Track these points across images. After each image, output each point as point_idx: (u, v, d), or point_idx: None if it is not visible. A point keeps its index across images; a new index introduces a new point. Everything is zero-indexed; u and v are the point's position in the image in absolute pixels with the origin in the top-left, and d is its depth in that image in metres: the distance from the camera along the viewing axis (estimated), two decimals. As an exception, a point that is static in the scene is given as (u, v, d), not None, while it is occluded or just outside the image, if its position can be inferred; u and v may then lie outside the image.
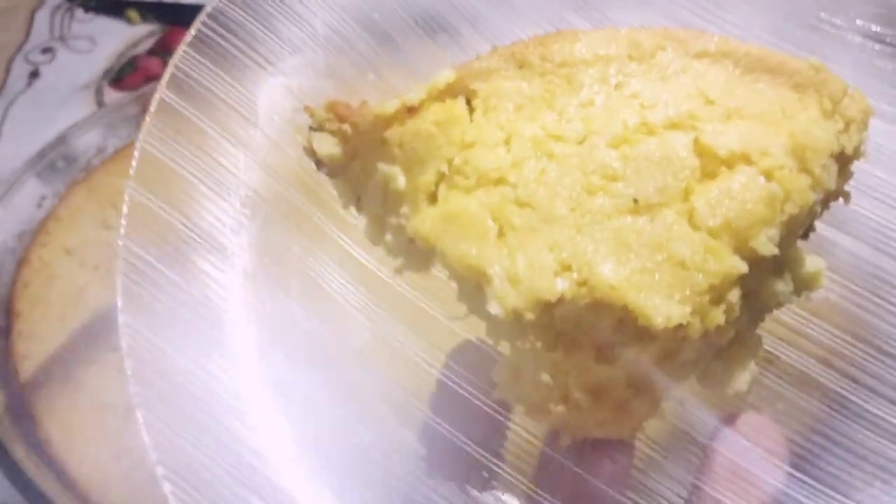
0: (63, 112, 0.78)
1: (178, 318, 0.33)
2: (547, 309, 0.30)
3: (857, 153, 0.34)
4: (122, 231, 0.34)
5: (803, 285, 0.34)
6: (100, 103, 0.80)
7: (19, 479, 0.51)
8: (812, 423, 0.35)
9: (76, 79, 0.82)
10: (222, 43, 0.39)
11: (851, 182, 0.36)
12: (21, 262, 0.63)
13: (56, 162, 0.66)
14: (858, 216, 0.38)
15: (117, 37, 0.85)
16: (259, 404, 0.33)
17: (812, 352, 0.36)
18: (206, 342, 0.33)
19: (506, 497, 0.34)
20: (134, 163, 0.35)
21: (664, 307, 0.29)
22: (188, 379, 0.32)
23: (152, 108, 0.36)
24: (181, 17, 0.86)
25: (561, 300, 0.30)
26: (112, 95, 0.80)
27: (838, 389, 0.35)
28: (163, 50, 0.85)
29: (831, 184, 0.33)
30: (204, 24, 0.39)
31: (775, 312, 0.36)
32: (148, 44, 0.85)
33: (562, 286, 0.30)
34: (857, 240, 0.37)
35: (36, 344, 0.59)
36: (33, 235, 0.65)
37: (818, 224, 0.36)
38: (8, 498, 0.56)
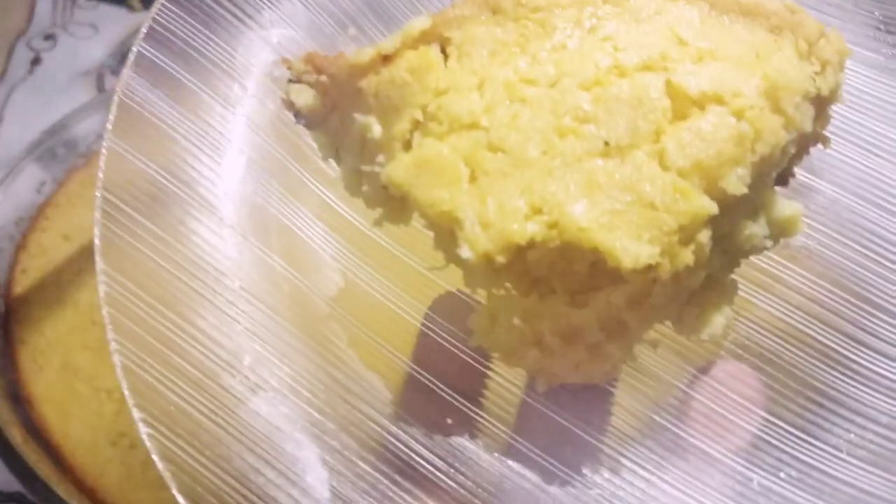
0: (64, 98, 0.78)
1: (158, 267, 0.34)
2: (519, 252, 0.31)
3: (833, 95, 0.34)
4: (100, 183, 0.34)
5: (780, 230, 0.34)
6: (101, 90, 0.80)
7: (16, 463, 0.51)
8: (788, 369, 0.35)
9: (78, 65, 0.82)
10: (199, -3, 0.39)
11: (831, 128, 0.36)
12: (19, 247, 0.64)
13: (56, 148, 0.67)
14: (839, 163, 0.37)
15: (119, 24, 0.85)
16: (240, 353, 0.33)
17: (789, 298, 0.36)
18: (185, 291, 0.34)
19: (484, 443, 0.34)
20: (111, 115, 0.35)
21: (633, 248, 0.29)
22: (166, 326, 0.32)
23: (130, 60, 0.37)
24: None
25: (532, 243, 0.30)
26: (113, 82, 0.80)
27: (815, 336, 0.35)
28: None
29: (806, 125, 0.32)
30: (182, -23, 0.39)
31: (752, 259, 0.36)
32: None
33: (532, 229, 0.30)
34: (837, 187, 0.37)
35: (33, 329, 0.60)
36: (32, 221, 0.65)
37: (798, 171, 0.36)
38: (5, 482, 0.57)
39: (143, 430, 0.30)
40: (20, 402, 0.57)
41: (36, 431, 0.55)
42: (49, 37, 0.84)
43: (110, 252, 0.33)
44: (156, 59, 0.37)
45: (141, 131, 0.36)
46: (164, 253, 0.34)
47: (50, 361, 0.59)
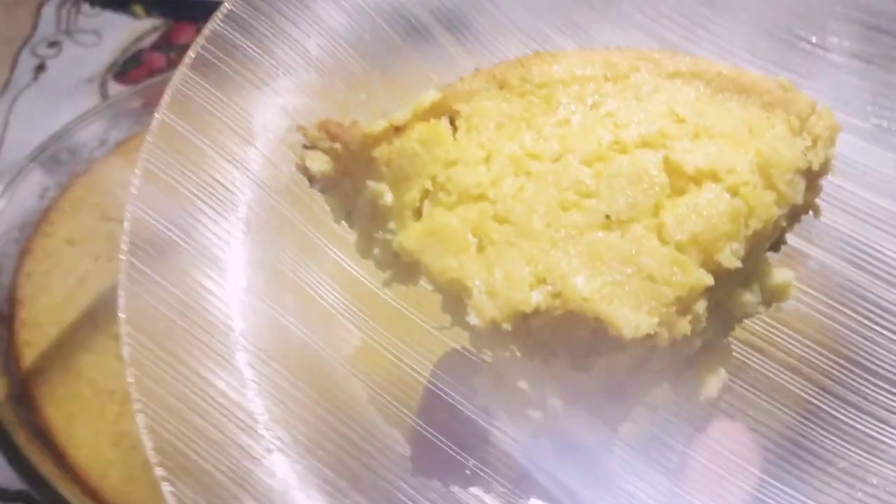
0: (68, 105, 0.79)
1: (178, 328, 0.35)
2: (523, 320, 0.32)
3: (824, 169, 0.36)
4: (125, 247, 0.36)
5: (772, 297, 0.36)
6: (104, 96, 0.81)
7: (21, 463, 0.52)
8: (782, 429, 0.36)
9: (81, 72, 0.83)
10: (219, 65, 0.40)
11: (823, 196, 0.37)
12: (24, 252, 0.65)
13: (59, 154, 0.68)
14: (830, 229, 0.39)
15: (122, 31, 0.87)
16: (256, 412, 0.35)
17: (782, 360, 0.37)
18: (204, 352, 0.35)
19: (488, 498, 0.35)
20: (135, 181, 0.37)
21: (633, 318, 0.31)
22: (187, 387, 0.34)
23: (153, 128, 0.38)
24: (186, 12, 0.87)
25: (536, 311, 0.32)
26: (116, 89, 0.82)
27: (807, 397, 0.36)
28: (167, 44, 0.86)
29: (798, 199, 0.34)
30: (203, 47, 0.41)
31: (746, 322, 0.38)
32: (152, 38, 0.87)
33: (537, 298, 0.32)
34: (828, 252, 0.39)
35: (38, 332, 0.61)
36: (36, 226, 0.66)
37: (790, 237, 0.38)
38: (11, 481, 0.57)
39: (166, 489, 0.31)
40: (24, 403, 0.58)
41: (40, 432, 0.56)
42: (53, 44, 0.86)
43: (133, 313, 0.35)
44: (177, 126, 0.39)
45: (162, 195, 0.37)
46: (182, 314, 0.35)
47: (54, 364, 0.60)
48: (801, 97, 0.36)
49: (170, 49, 0.86)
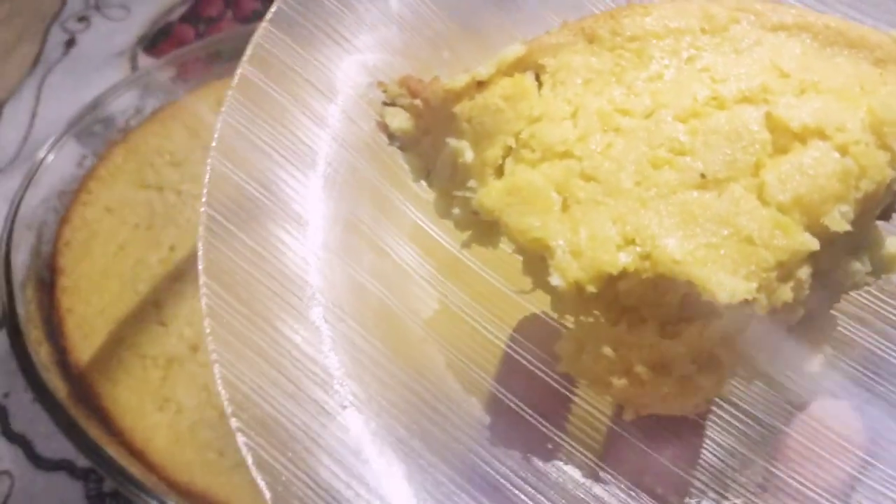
0: (99, 79, 0.79)
1: (256, 282, 0.35)
2: (609, 282, 0.31)
3: (942, 130, 0.33)
4: (204, 199, 0.35)
5: (882, 267, 0.33)
6: (134, 69, 0.82)
7: (69, 427, 0.53)
8: (889, 409, 0.34)
9: (111, 46, 0.84)
10: (300, 19, 0.40)
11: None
12: (63, 220, 0.66)
13: (93, 126, 0.68)
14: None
15: (151, 4, 0.87)
16: (331, 368, 0.34)
17: (891, 336, 0.34)
18: (281, 306, 0.35)
19: (569, 469, 0.34)
20: (216, 134, 0.37)
21: (729, 282, 0.29)
22: (263, 340, 0.34)
23: (234, 82, 0.38)
24: None
25: (624, 273, 0.30)
26: (146, 62, 0.82)
27: (916, 375, 0.34)
28: (195, 17, 0.86)
29: (913, 161, 0.32)
30: (284, 1, 0.40)
31: (852, 294, 0.35)
32: (181, 11, 0.87)
33: (624, 259, 0.30)
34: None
35: (79, 299, 0.62)
36: (74, 195, 0.67)
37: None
38: (54, 450, 0.60)
39: (240, 439, 0.31)
40: (68, 368, 0.59)
41: (84, 397, 0.57)
42: (83, 18, 0.86)
43: (211, 265, 0.34)
44: (257, 81, 0.38)
45: (241, 149, 0.37)
46: (260, 267, 0.35)
47: (96, 330, 0.61)
48: (919, 52, 0.33)
49: (198, 21, 0.86)
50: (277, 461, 0.31)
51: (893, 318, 0.35)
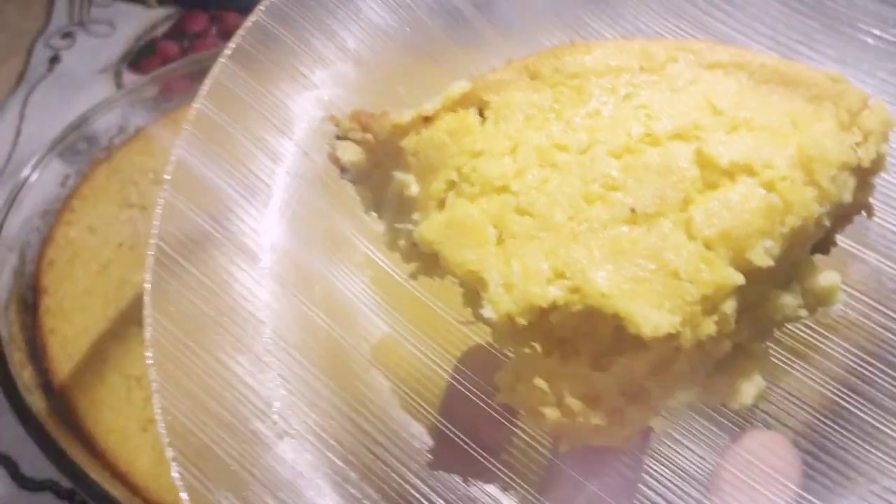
0: (83, 96, 0.79)
1: (202, 314, 0.36)
2: (541, 315, 0.31)
3: (876, 166, 0.33)
4: (155, 231, 0.36)
5: (817, 301, 0.33)
6: (119, 86, 0.82)
7: (51, 449, 0.53)
8: (824, 443, 0.34)
9: (96, 63, 0.84)
10: (258, 55, 0.41)
11: (878, 196, 0.35)
12: (46, 240, 0.66)
13: (77, 144, 0.68)
14: (885, 231, 0.36)
15: (135, 21, 0.87)
16: (271, 398, 0.35)
17: (827, 369, 0.35)
18: (225, 338, 0.35)
19: (507, 500, 0.34)
20: (170, 167, 0.37)
21: (654, 316, 0.29)
22: (206, 372, 0.34)
23: (190, 116, 0.39)
24: (198, 1, 0.88)
25: (554, 306, 0.31)
26: (131, 78, 0.82)
27: (854, 409, 0.34)
28: (180, 33, 0.86)
29: (844, 197, 0.32)
30: (243, 38, 0.41)
31: (789, 327, 0.36)
32: (165, 27, 0.87)
33: (554, 292, 0.31)
34: (882, 256, 0.36)
35: (62, 319, 0.62)
36: (58, 214, 0.67)
37: (841, 239, 0.36)
38: (38, 470, 0.59)
39: (175, 469, 0.31)
40: (51, 390, 0.58)
41: (67, 418, 0.57)
42: (67, 35, 0.86)
43: (158, 296, 0.35)
44: (213, 115, 0.39)
45: (195, 183, 0.38)
46: (207, 300, 0.36)
47: (79, 350, 0.60)
48: (853, 90, 0.34)
49: (183, 37, 0.86)
50: (211, 491, 0.31)
51: (829, 351, 0.35)
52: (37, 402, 0.56)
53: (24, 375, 0.57)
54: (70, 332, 0.62)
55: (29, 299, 0.63)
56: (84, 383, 0.59)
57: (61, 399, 0.58)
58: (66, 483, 0.60)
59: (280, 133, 0.40)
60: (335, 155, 0.37)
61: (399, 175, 0.36)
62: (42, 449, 0.53)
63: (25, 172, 0.66)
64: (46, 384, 0.59)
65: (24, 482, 0.61)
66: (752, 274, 0.30)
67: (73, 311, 0.63)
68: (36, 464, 0.61)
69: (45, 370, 0.60)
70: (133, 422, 0.57)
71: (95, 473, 0.52)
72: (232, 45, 0.41)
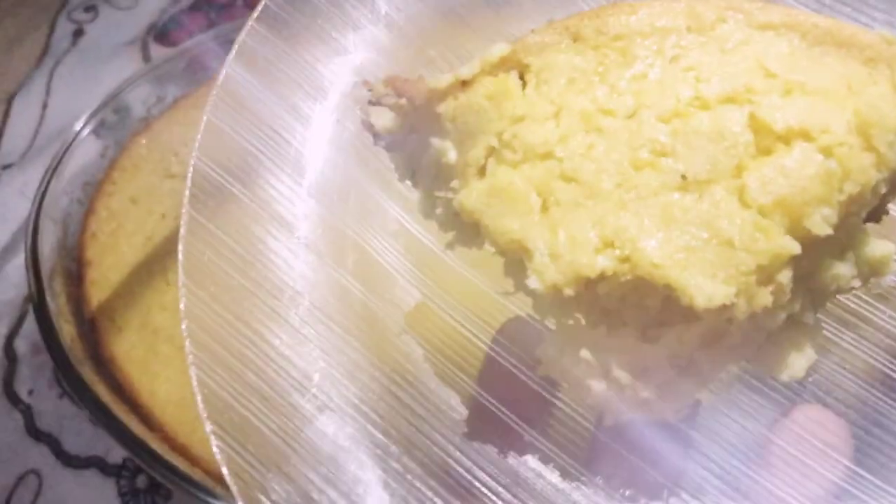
0: (109, 69, 0.78)
1: (236, 282, 0.35)
2: (588, 285, 0.30)
3: (933, 131, 0.32)
4: (186, 200, 0.35)
5: (869, 270, 0.32)
6: (146, 59, 0.80)
7: (108, 422, 0.52)
8: (875, 416, 0.33)
9: (120, 36, 0.83)
10: (288, 18, 0.40)
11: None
12: (88, 212, 0.65)
13: (107, 117, 0.67)
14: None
15: None
16: (309, 371, 0.34)
17: (878, 341, 0.34)
18: (261, 308, 0.35)
19: (547, 473, 0.34)
20: (199, 135, 0.37)
21: (707, 287, 0.28)
22: (241, 342, 0.33)
23: (219, 80, 0.38)
24: None
25: (602, 277, 0.30)
26: (158, 51, 0.81)
27: (903, 380, 0.33)
28: (207, 4, 0.84)
29: (901, 163, 0.31)
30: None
31: (840, 298, 0.35)
32: None
33: (603, 262, 0.30)
34: (935, 225, 0.35)
35: (109, 291, 0.61)
36: (99, 185, 0.66)
37: (893, 207, 0.34)
38: (84, 447, 0.58)
39: (214, 443, 0.30)
40: (103, 363, 0.57)
41: (122, 391, 0.56)
42: (90, 8, 0.85)
43: (192, 266, 0.34)
44: (241, 80, 0.38)
45: (226, 150, 0.37)
46: (242, 270, 0.35)
47: (129, 322, 0.59)
48: (910, 51, 0.32)
49: (210, 8, 0.85)
50: (251, 465, 0.30)
51: (881, 322, 0.34)
52: (89, 374, 0.54)
53: (76, 349, 0.56)
54: (118, 304, 0.61)
55: (74, 272, 0.62)
56: (136, 356, 0.57)
57: (113, 371, 0.57)
58: (111, 459, 0.59)
59: (312, 98, 0.39)
60: (369, 121, 0.36)
61: (436, 141, 0.35)
62: (99, 423, 0.51)
63: (63, 144, 0.65)
64: (97, 357, 0.58)
65: (69, 460, 0.60)
66: (809, 243, 0.29)
67: (119, 283, 0.61)
68: (80, 440, 0.60)
69: (95, 342, 0.59)
70: (189, 392, 0.54)
71: (155, 445, 0.51)
72: (260, 6, 0.40)
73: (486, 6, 0.42)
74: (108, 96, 0.67)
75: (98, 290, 0.61)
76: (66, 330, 0.57)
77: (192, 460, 0.53)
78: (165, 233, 0.64)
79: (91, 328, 0.59)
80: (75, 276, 0.62)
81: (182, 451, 0.53)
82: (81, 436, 0.58)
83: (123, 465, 0.59)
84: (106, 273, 0.62)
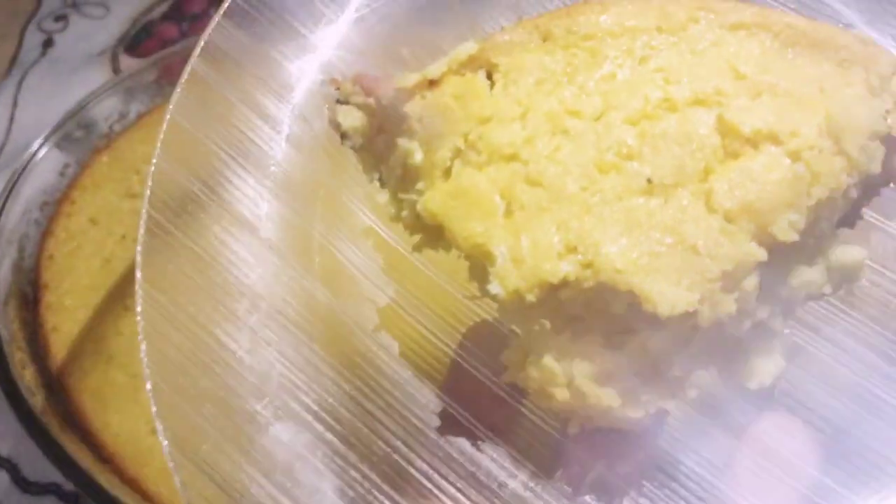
0: (79, 81, 0.76)
1: (195, 286, 0.34)
2: (551, 291, 0.29)
3: (907, 134, 0.31)
4: (147, 198, 0.34)
5: (840, 277, 0.32)
6: (116, 70, 0.78)
7: (55, 453, 0.50)
8: (845, 425, 0.32)
9: (91, 46, 0.80)
10: (255, 14, 0.39)
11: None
12: (45, 233, 0.62)
13: (73, 132, 0.65)
14: (914, 204, 0.35)
15: (131, 2, 0.83)
16: (267, 374, 0.33)
17: (850, 349, 0.33)
18: (219, 311, 0.34)
19: (510, 479, 0.33)
20: (162, 133, 0.36)
21: (671, 293, 0.28)
22: (199, 347, 0.33)
23: (183, 78, 0.37)
24: None
25: (565, 282, 0.29)
26: (128, 62, 0.78)
27: (877, 391, 0.32)
28: (178, 14, 0.83)
29: (873, 167, 0.30)
30: (239, -5, 0.39)
31: (811, 304, 0.34)
32: (163, 8, 0.83)
33: (566, 268, 0.29)
34: (910, 229, 0.34)
35: (65, 316, 0.59)
36: (57, 205, 0.63)
37: (867, 212, 0.34)
38: (38, 475, 0.57)
39: (166, 449, 0.30)
40: (55, 391, 0.55)
41: (73, 420, 0.54)
42: (60, 17, 0.83)
43: (150, 269, 0.33)
44: (207, 77, 0.37)
45: (188, 149, 0.36)
46: (201, 272, 0.34)
47: (83, 349, 0.57)
48: (884, 53, 0.32)
49: (182, 19, 0.83)
50: (206, 475, 0.30)
51: (853, 329, 0.33)
52: (40, 403, 0.53)
53: (26, 376, 0.54)
54: (73, 329, 0.58)
55: (29, 295, 0.60)
56: (89, 384, 0.55)
57: (65, 400, 0.55)
58: (69, 486, 0.57)
59: (278, 96, 0.38)
60: (336, 120, 0.35)
61: (403, 142, 0.34)
62: (46, 454, 0.50)
63: (22, 162, 0.62)
64: (49, 384, 0.56)
65: (27, 486, 0.58)
66: (776, 249, 0.29)
67: (76, 307, 0.59)
68: (38, 467, 0.58)
69: (48, 370, 0.57)
70: (142, 423, 0.54)
71: (103, 478, 0.49)
72: (227, 2, 0.39)
73: (460, 6, 0.41)
74: (69, 111, 0.65)
75: (53, 315, 0.59)
76: (18, 357, 0.55)
77: (143, 495, 0.51)
78: (125, 255, 0.61)
79: (44, 355, 0.57)
80: (31, 299, 0.60)
81: (132, 484, 0.52)
82: (40, 462, 0.56)
83: (79, 494, 0.57)
84: (62, 297, 0.60)
